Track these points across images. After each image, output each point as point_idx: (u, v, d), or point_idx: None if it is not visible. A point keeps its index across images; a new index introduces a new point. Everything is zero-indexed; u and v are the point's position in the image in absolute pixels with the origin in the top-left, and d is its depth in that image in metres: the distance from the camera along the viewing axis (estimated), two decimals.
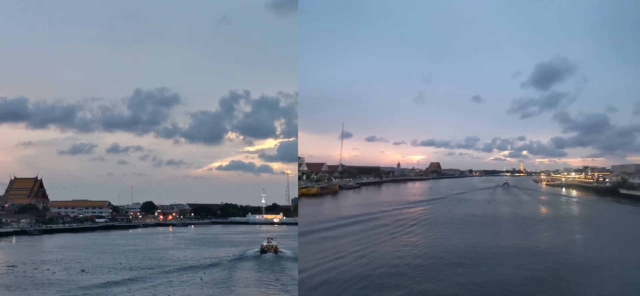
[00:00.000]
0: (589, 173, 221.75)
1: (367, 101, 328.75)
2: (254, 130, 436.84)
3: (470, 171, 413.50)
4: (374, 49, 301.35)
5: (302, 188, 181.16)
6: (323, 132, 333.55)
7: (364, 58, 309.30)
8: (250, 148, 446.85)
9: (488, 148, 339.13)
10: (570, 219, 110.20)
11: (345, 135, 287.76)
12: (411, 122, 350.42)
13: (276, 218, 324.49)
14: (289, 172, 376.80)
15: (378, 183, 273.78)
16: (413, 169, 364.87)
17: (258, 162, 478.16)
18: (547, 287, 49.02)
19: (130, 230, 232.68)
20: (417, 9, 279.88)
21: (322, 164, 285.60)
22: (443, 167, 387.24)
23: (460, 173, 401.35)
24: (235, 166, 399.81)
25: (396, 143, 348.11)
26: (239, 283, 78.81)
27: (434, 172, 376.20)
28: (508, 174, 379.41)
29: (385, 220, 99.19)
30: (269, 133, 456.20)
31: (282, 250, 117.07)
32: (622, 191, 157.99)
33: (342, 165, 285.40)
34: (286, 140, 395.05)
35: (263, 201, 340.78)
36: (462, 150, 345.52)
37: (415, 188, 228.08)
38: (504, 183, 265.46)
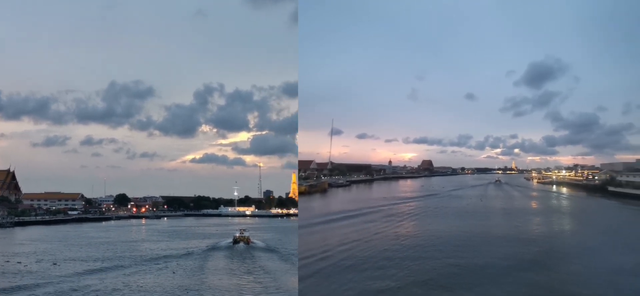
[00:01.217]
0: (579, 171, 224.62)
1: (358, 98, 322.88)
2: (228, 123, 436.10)
3: (463, 169, 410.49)
4: (365, 45, 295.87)
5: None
6: (311, 129, 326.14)
7: (355, 54, 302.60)
8: (224, 141, 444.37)
9: (480, 146, 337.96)
10: (560, 212, 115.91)
11: (335, 132, 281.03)
12: (404, 119, 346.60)
13: (248, 210, 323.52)
14: (261, 164, 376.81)
15: (369, 181, 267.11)
16: (405, 167, 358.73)
17: (231, 155, 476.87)
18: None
19: (103, 223, 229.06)
20: (412, 6, 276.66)
21: (310, 162, 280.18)
22: (435, 164, 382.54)
23: (453, 171, 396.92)
24: (208, 159, 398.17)
25: (388, 141, 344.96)
26: (210, 270, 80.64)
27: (426, 169, 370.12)
28: (500, 172, 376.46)
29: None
30: (242, 126, 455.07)
31: (254, 241, 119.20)
32: (610, 188, 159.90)
33: (332, 163, 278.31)
34: (259, 133, 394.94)
35: (235, 193, 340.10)
36: (455, 148, 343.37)
37: (407, 186, 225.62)
38: (496, 181, 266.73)
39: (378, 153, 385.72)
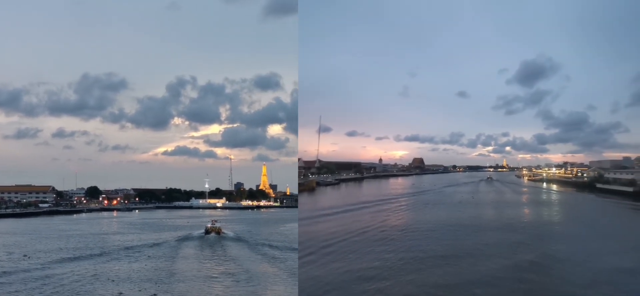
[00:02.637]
0: (569, 169, 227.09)
1: (348, 95, 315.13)
2: (200, 116, 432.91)
3: (454, 167, 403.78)
4: (356, 41, 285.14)
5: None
6: (299, 126, 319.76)
7: (345, 50, 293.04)
8: (195, 134, 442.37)
9: (472, 144, 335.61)
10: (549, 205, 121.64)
11: (323, 129, 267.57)
12: (395, 116, 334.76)
13: (219, 202, 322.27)
14: (232, 157, 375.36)
15: (358, 179, 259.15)
16: (395, 165, 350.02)
17: (203, 148, 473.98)
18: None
19: (74, 215, 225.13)
20: (404, 2, 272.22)
21: (297, 159, 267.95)
22: (426, 162, 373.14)
23: (444, 169, 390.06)
24: (180, 151, 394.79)
25: (378, 138, 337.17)
26: (182, 257, 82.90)
27: (417, 167, 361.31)
28: (491, 170, 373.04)
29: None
30: (214, 119, 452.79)
31: (225, 231, 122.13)
32: (598, 185, 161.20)
33: (320, 161, 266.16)
34: (231, 125, 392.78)
35: (206, 186, 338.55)
36: (447, 146, 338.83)
37: (398, 184, 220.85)
38: (488, 178, 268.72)
39: (368, 151, 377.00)
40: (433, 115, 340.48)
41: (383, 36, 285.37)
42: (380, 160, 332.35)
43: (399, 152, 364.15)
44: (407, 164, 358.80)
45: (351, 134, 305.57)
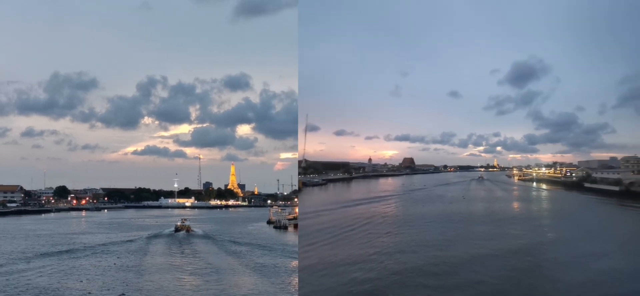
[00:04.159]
0: (558, 169, 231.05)
1: (337, 93, 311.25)
2: (170, 116, 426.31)
3: (445, 166, 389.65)
4: (345, 38, 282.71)
5: None
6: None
7: (334, 47, 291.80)
8: (165, 133, 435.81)
9: (464, 144, 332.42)
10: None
11: (310, 128, 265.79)
12: (386, 116, 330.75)
13: (188, 202, 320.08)
14: (201, 156, 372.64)
15: (347, 180, 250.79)
16: (385, 165, 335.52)
17: (173, 147, 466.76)
18: None
19: (43, 215, 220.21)
20: (398, 1, 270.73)
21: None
22: (417, 162, 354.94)
23: (435, 169, 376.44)
24: (150, 151, 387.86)
25: (368, 138, 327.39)
26: (151, 253, 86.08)
27: (408, 167, 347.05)
28: (482, 169, 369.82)
29: None
30: (184, 118, 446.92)
31: (195, 229, 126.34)
32: (586, 185, 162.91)
33: (306, 160, 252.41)
34: (200, 125, 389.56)
35: (175, 185, 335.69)
36: (438, 146, 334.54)
37: (388, 184, 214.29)
38: (479, 177, 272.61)
39: (357, 150, 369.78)
40: (424, 114, 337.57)
41: (375, 35, 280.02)
42: (370, 160, 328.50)
43: (389, 152, 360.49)
44: (397, 164, 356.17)
45: (340, 133, 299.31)
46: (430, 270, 49.04)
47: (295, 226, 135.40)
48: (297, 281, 54.11)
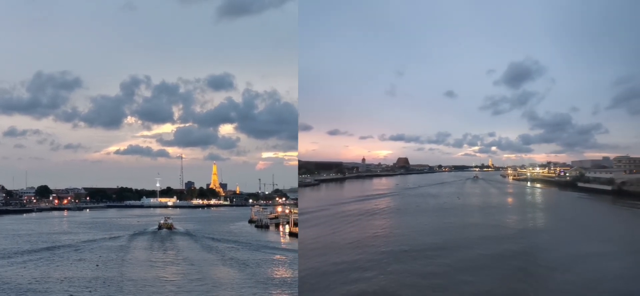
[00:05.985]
0: (552, 169, 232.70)
1: (330, 92, 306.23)
2: (153, 115, 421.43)
3: (440, 166, 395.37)
4: (340, 37, 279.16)
5: None
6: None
7: (328, 46, 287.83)
8: (148, 133, 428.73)
9: (459, 144, 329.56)
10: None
11: (302, 128, 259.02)
12: (380, 116, 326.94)
13: (170, 201, 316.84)
14: (184, 156, 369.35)
15: (340, 180, 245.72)
16: (379, 165, 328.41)
17: (155, 147, 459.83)
18: None
19: (24, 215, 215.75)
20: (395, 1, 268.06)
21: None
22: (412, 162, 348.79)
23: (430, 169, 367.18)
24: (132, 150, 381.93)
25: (362, 138, 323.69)
26: (134, 249, 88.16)
27: (402, 167, 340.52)
28: (477, 169, 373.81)
29: None
30: (167, 118, 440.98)
31: (177, 227, 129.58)
32: (580, 184, 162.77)
33: (298, 161, 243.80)
34: (183, 125, 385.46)
35: (158, 185, 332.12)
36: (433, 146, 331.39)
37: (382, 184, 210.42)
38: (474, 176, 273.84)
39: (351, 150, 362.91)
40: (420, 114, 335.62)
41: (370, 34, 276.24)
42: (364, 159, 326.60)
43: (383, 152, 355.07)
44: (391, 164, 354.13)
45: (333, 133, 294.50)
46: None
47: (277, 225, 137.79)
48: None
